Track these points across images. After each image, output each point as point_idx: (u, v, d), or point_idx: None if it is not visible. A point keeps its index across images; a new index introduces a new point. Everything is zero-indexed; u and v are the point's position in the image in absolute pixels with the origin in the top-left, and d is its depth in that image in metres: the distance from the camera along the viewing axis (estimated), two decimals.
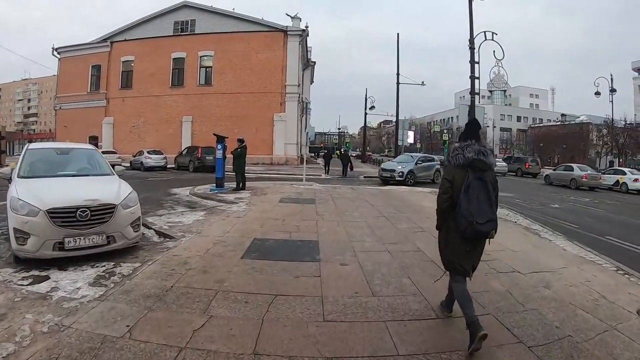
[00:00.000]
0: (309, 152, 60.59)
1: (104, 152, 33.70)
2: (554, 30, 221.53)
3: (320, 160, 47.61)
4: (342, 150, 45.17)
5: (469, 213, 3.84)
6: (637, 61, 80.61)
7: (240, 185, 16.25)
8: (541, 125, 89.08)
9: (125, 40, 42.49)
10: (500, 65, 16.08)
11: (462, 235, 3.97)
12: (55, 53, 45.48)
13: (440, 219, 4.28)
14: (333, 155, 39.03)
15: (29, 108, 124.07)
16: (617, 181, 28.96)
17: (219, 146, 16.51)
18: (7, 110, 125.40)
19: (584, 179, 28.28)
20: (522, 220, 11.54)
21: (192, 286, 5.19)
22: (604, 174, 31.88)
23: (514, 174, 40.86)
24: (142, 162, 31.57)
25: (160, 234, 8.32)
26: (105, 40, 43.27)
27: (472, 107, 15.36)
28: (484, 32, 15.80)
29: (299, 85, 39.55)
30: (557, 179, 30.64)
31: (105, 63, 42.87)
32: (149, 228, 8.69)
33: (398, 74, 29.85)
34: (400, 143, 32.08)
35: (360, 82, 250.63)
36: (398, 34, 30.09)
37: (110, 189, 6.85)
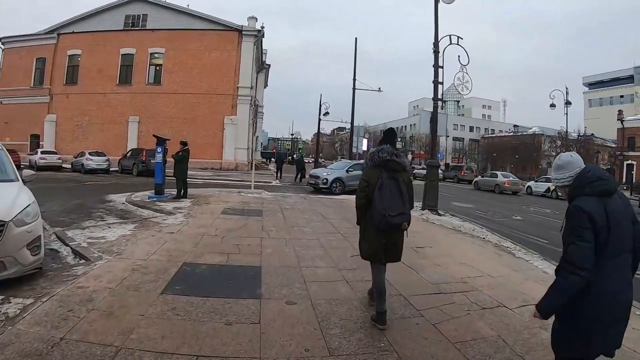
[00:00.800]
0: (261, 157, 59.36)
1: (44, 152, 32.23)
2: (505, 47, 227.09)
3: (272, 167, 46.37)
4: (293, 155, 43.79)
5: (382, 207, 4.30)
6: (588, 76, 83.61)
7: (182, 192, 14.85)
8: (494, 135, 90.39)
9: (72, 32, 40.11)
10: (464, 71, 15.20)
11: (377, 228, 4.41)
12: None
13: (359, 214, 4.79)
14: (285, 161, 37.79)
15: None
16: (548, 188, 31.05)
17: (159, 149, 15.14)
18: None
19: (506, 185, 32.23)
20: (490, 235, 10.70)
21: (88, 339, 3.83)
22: (536, 181, 35.60)
23: (452, 180, 45.94)
24: (82, 164, 29.74)
25: (76, 253, 6.94)
26: (52, 31, 40.71)
27: (435, 113, 14.42)
28: (449, 35, 14.94)
29: (251, 88, 38.28)
30: (484, 184, 34.22)
31: (51, 56, 40.43)
32: (66, 245, 7.36)
33: (354, 79, 28.80)
34: (354, 150, 30.81)
35: (315, 90, 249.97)
36: (356, 38, 29.06)
37: (2, 201, 5.38)
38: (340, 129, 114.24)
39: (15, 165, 25.82)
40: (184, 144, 15.30)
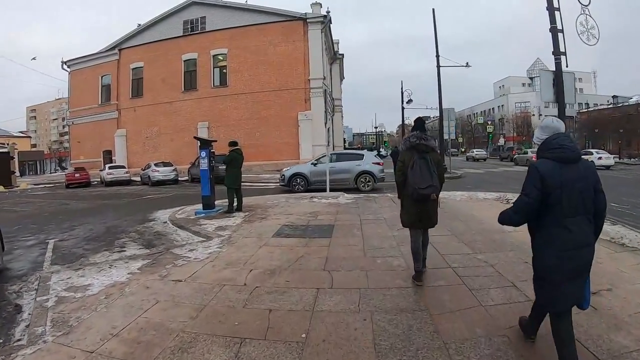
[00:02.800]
0: None
1: (111, 167, 31.23)
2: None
3: None
4: (379, 150, 40.03)
5: (414, 182, 4.98)
6: None
7: (234, 205, 11.88)
8: (591, 109, 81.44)
9: (133, 46, 39.48)
10: (587, 13, 11.09)
11: (412, 199, 5.09)
12: (65, 66, 43.20)
13: (398, 190, 5.45)
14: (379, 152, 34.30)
15: (63, 127, 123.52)
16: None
17: (203, 153, 12.26)
18: (44, 130, 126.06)
19: (533, 159, 32.75)
20: None
21: None
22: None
23: (506, 159, 47.07)
24: (149, 176, 28.29)
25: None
26: (113, 48, 40.40)
27: (558, 72, 10.51)
28: None
29: (324, 79, 34.71)
30: (520, 160, 38.37)
31: (115, 72, 40.13)
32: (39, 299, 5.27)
33: (437, 56, 24.78)
34: (445, 136, 25.94)
35: (394, 81, 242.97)
36: (433, 9, 24.46)
37: None
38: (425, 117, 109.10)
39: (85, 183, 24.16)
40: (232, 144, 12.30)
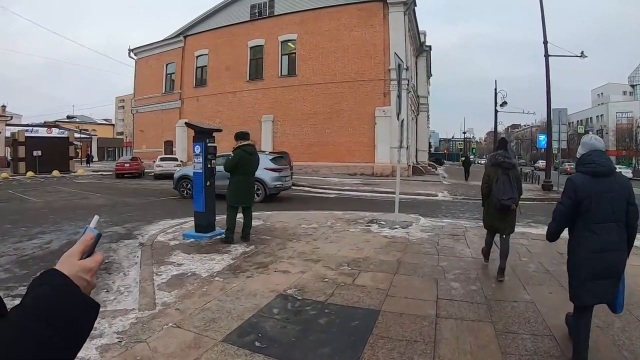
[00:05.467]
0: (429, 159, 51.09)
1: (162, 159, 27.72)
2: None
3: (442, 170, 39.82)
4: (467, 156, 34.94)
5: (497, 194, 5.69)
6: None
7: (233, 231, 7.78)
8: None
9: (198, 32, 37.48)
10: None
11: (495, 208, 5.82)
12: (131, 55, 42.58)
13: (483, 199, 6.22)
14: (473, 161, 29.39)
15: None
16: None
17: (197, 148, 8.20)
18: (130, 119, 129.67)
19: None
20: None
21: None
22: None
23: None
24: None
25: None
26: (178, 35, 38.81)
27: None
28: None
29: (407, 69, 29.20)
30: (562, 171, 38.71)
31: (179, 60, 38.60)
32: None
33: (545, 42, 19.68)
34: (555, 144, 19.78)
35: (484, 87, 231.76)
36: None
37: None
38: (515, 126, 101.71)
39: (137, 174, 20.33)
40: (240, 137, 8.10)
